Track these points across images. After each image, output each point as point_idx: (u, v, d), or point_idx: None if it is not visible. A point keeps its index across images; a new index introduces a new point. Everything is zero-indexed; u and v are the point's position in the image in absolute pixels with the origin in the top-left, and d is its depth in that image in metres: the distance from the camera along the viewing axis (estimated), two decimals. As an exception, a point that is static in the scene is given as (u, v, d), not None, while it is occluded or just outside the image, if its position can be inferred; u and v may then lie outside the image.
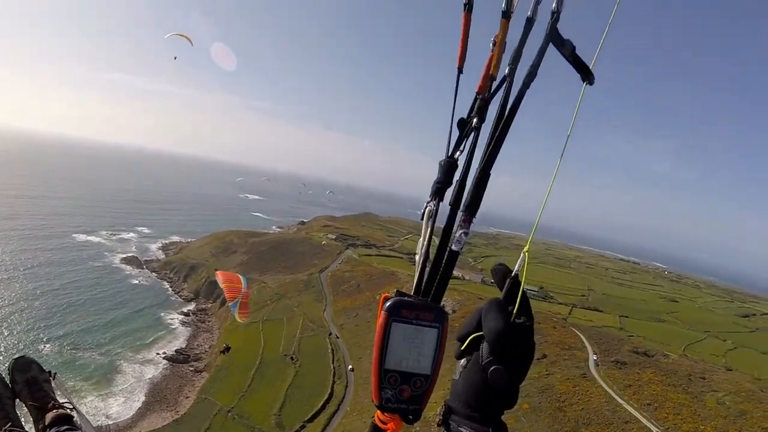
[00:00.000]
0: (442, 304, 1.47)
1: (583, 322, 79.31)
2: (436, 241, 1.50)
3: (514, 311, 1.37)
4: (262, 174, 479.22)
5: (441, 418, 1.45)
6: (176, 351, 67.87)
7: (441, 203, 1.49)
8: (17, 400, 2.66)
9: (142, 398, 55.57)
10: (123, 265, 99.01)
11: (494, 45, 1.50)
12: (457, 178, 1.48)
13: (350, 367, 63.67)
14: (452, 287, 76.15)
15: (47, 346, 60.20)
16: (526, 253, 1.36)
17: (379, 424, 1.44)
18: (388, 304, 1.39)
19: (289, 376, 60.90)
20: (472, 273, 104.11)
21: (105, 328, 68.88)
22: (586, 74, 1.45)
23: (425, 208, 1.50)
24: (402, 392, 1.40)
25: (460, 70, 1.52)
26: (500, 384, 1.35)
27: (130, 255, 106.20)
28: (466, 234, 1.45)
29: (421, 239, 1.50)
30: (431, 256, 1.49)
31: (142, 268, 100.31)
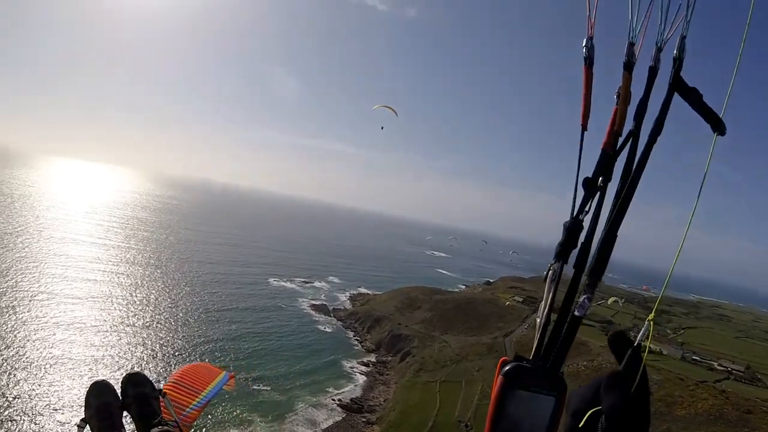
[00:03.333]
0: (563, 371, 1.39)
1: (801, 415, 63.35)
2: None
3: (634, 386, 1.28)
4: (445, 232, 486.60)
5: None
6: (351, 399, 67.71)
7: (565, 266, 1.42)
8: (125, 412, 2.66)
9: (311, 441, 55.78)
10: (312, 312, 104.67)
11: (618, 98, 1.42)
12: (582, 240, 1.40)
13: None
14: (649, 364, 64.59)
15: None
16: (651, 322, 1.30)
17: None
18: (506, 368, 1.33)
19: (462, 443, 56.79)
20: (671, 347, 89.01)
21: (290, 372, 71.33)
22: (716, 124, 1.35)
23: (548, 270, 1.44)
24: None
25: (584, 128, 1.44)
26: None
27: (319, 303, 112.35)
28: (589, 299, 1.36)
29: (543, 302, 1.42)
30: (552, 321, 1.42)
31: (330, 316, 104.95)
